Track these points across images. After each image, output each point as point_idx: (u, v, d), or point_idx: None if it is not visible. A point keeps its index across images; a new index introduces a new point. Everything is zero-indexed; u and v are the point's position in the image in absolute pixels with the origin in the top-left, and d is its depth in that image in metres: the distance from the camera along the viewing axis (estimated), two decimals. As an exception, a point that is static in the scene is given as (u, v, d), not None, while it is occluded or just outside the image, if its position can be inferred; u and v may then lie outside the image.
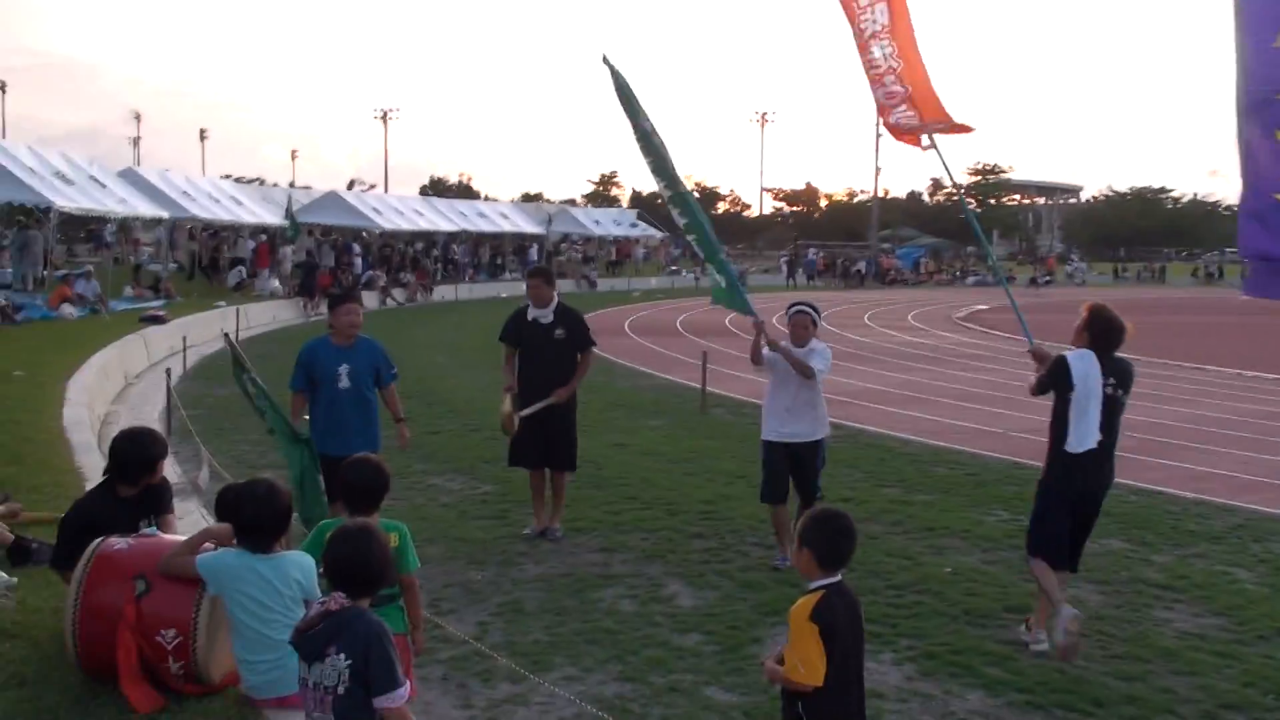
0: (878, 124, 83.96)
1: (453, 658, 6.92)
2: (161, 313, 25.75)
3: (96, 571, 5.20)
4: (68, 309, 24.81)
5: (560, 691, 6.42)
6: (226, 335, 9.25)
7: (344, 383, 8.47)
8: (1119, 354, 7.42)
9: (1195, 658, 7.16)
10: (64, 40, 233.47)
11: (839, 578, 4.40)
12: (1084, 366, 7.27)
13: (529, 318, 9.82)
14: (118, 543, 5.36)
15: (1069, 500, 7.42)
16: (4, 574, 6.54)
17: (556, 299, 9.93)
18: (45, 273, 29.87)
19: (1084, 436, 7.25)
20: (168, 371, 15.74)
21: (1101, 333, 7.36)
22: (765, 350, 8.98)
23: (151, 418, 14.99)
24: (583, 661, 6.98)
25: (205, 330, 24.68)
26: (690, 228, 9.39)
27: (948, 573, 8.89)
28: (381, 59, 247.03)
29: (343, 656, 3.92)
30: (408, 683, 4.04)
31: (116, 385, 17.96)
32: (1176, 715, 6.32)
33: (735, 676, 6.74)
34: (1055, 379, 7.39)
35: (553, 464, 9.86)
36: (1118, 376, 7.32)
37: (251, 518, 5.08)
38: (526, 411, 9.56)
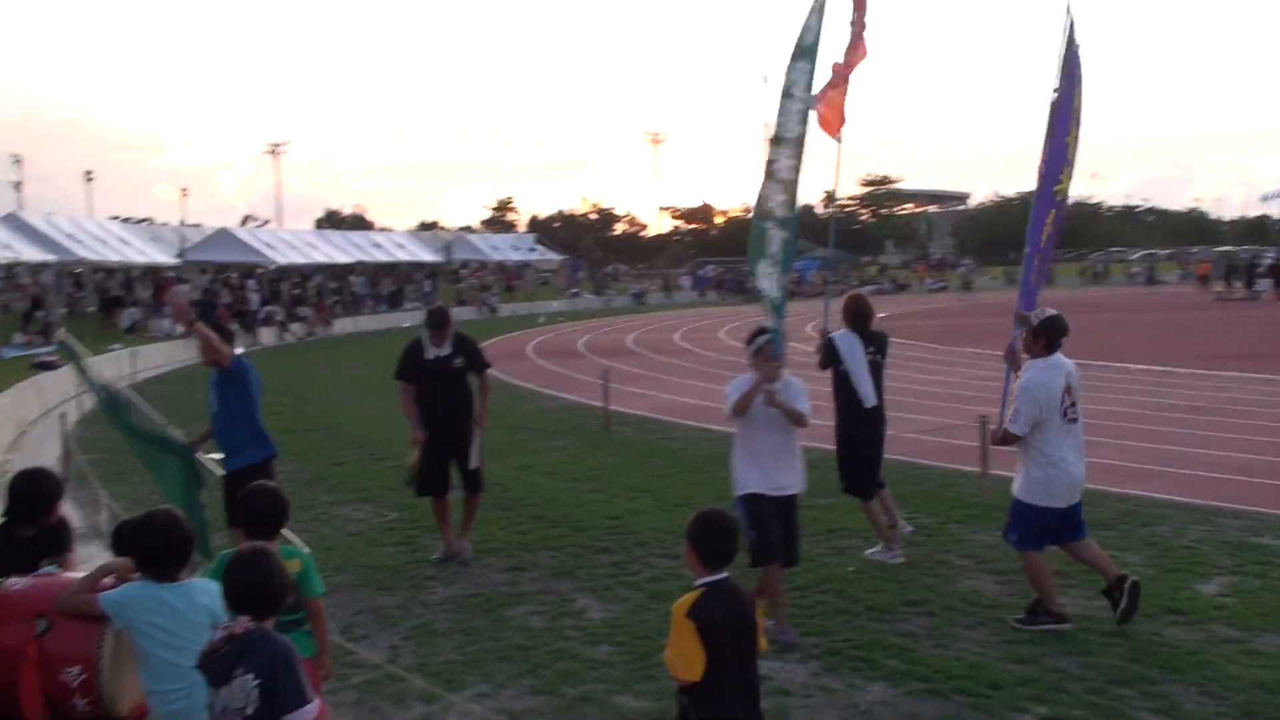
0: (766, 139, 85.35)
1: (365, 682, 6.96)
2: (53, 358, 25.19)
3: (-5, 613, 5.16)
4: (-46, 358, 24.23)
5: (473, 708, 6.50)
6: (63, 338, 9.39)
7: (214, 407, 8.79)
8: (874, 328, 9.61)
9: (1086, 639, 7.44)
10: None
11: (724, 575, 4.55)
12: (847, 343, 9.36)
13: (428, 355, 9.83)
14: (17, 583, 5.32)
15: (859, 444, 9.49)
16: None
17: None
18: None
19: (867, 395, 9.30)
20: (62, 417, 15.47)
21: (853, 315, 9.45)
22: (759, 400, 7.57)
23: (48, 464, 14.71)
24: (495, 678, 7.05)
25: (99, 374, 24.22)
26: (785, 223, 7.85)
27: (850, 572, 9.11)
28: (271, 93, 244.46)
29: (251, 676, 3.97)
30: (316, 700, 4.09)
31: (9, 434, 17.57)
32: (1068, 693, 6.57)
33: (646, 684, 6.85)
34: (827, 355, 9.45)
35: (464, 488, 9.92)
36: (876, 345, 9.50)
37: (156, 548, 5.08)
38: (474, 463, 9.71)
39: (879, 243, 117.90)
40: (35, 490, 6.00)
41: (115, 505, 11.40)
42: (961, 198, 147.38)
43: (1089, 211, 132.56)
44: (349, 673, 6.99)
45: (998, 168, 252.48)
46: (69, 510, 11.62)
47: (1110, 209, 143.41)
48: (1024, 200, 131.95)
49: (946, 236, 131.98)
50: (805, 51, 7.98)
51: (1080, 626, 7.67)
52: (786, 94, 7.91)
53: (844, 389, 9.43)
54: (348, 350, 35.07)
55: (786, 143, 7.86)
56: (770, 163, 7.90)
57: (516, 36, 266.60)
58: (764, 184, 7.91)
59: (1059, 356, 7.90)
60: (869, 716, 6.42)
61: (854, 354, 9.31)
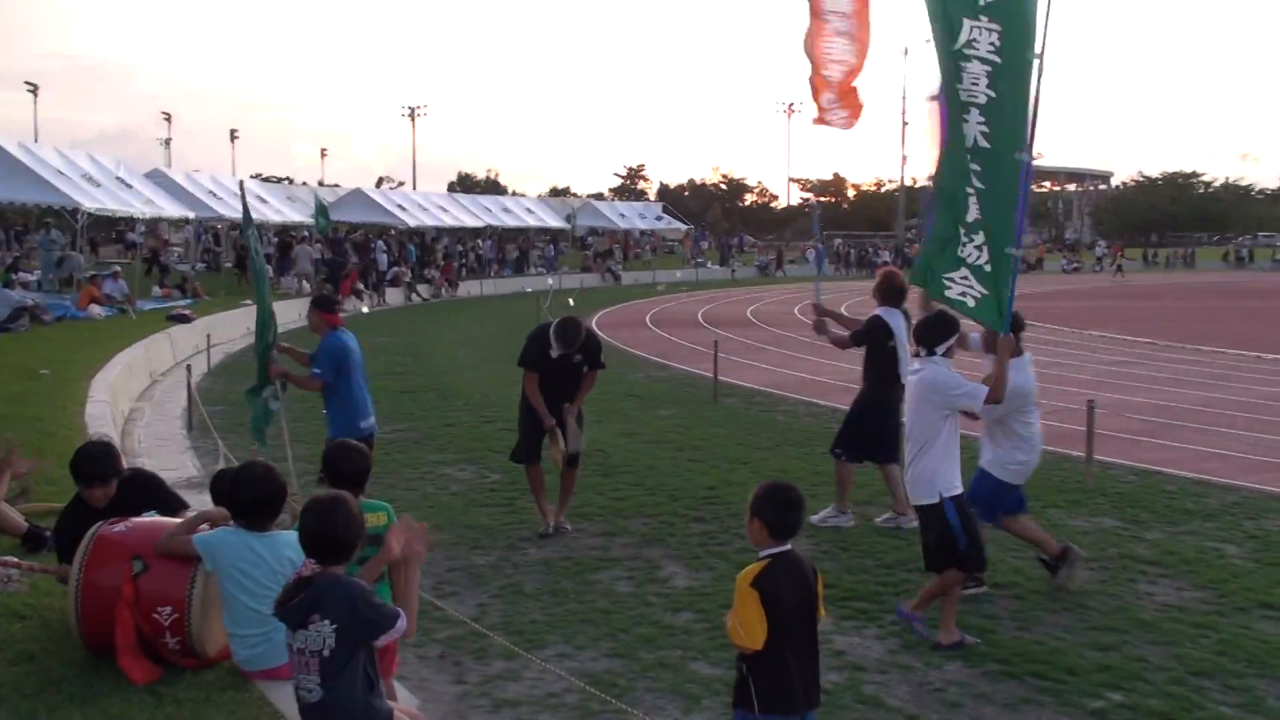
0: (903, 111, 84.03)
1: (450, 637, 7.16)
2: (188, 312, 26.14)
3: (96, 553, 5.48)
4: (95, 309, 25.21)
5: (551, 667, 6.65)
6: (241, 184, 10.20)
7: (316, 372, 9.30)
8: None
9: (1172, 628, 7.33)
10: (96, 43, 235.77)
11: (788, 547, 4.64)
12: (896, 320, 9.81)
13: (553, 354, 9.69)
14: (117, 525, 5.64)
15: (892, 415, 9.77)
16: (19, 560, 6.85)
17: None
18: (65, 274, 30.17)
19: (907, 370, 8.96)
20: (188, 369, 16.07)
21: (895, 292, 9.92)
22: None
23: (174, 415, 15.36)
24: (576, 640, 7.21)
25: (230, 329, 25.10)
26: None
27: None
28: (409, 57, 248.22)
29: (327, 622, 4.17)
30: (402, 614, 4.29)
31: (142, 383, 18.33)
32: (1146, 682, 6.50)
33: (722, 652, 6.92)
34: (880, 334, 9.82)
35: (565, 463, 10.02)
36: (908, 323, 9.73)
37: (249, 499, 5.35)
38: (572, 446, 9.78)
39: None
40: (83, 465, 6.41)
41: (232, 457, 11.85)
42: (1104, 177, 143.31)
43: (1238, 193, 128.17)
44: (435, 628, 7.21)
45: (1143, 147, 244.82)
46: (189, 459, 12.19)
47: (1261, 192, 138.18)
48: (1168, 181, 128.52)
49: (1086, 216, 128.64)
50: (978, 9, 6.84)
51: (1169, 616, 7.56)
52: (959, 54, 6.86)
53: (887, 363, 9.79)
54: (470, 313, 35.60)
55: (976, 109, 6.90)
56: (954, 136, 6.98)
57: (655, 5, 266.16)
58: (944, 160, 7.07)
59: (1027, 354, 8.18)
60: (941, 695, 6.43)
61: (900, 331, 9.76)
